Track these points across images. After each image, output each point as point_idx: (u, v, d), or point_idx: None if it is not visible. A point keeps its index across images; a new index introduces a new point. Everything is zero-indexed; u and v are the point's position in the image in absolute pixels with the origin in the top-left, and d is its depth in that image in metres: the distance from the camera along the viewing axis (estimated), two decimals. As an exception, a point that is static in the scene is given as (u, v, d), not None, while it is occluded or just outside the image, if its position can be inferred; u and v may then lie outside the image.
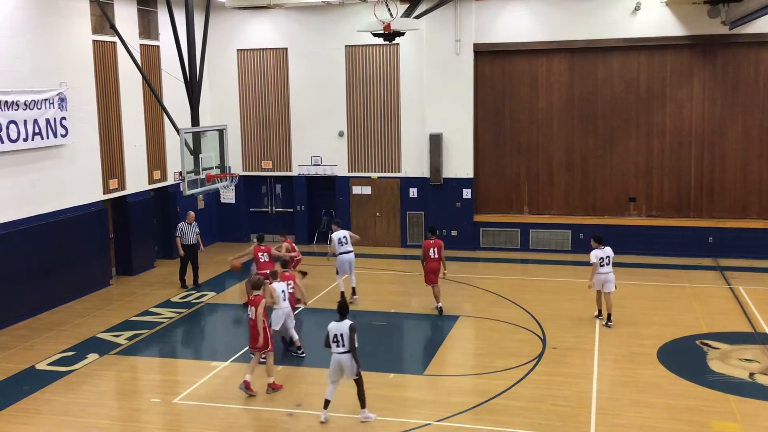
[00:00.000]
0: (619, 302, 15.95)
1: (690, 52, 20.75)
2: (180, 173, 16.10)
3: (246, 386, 12.04)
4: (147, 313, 16.75)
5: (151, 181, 20.78)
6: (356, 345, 10.95)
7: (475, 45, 21.45)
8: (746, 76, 20.56)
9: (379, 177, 22.81)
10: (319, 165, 23.14)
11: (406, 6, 19.27)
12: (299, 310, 16.58)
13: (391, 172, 22.70)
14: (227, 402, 11.98)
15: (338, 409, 11.48)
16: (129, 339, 15.00)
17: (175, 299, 17.78)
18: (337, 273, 16.91)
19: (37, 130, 16.30)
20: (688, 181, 21.25)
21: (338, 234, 16.82)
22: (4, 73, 15.66)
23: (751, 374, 12.60)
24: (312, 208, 23.76)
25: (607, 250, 15.18)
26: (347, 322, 10.94)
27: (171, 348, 15.02)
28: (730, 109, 20.75)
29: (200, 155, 16.18)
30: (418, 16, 19.25)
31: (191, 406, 11.84)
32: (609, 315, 15.17)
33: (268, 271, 15.40)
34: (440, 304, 16.14)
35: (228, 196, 23.58)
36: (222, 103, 23.44)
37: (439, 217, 22.03)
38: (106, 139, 18.98)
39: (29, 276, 16.38)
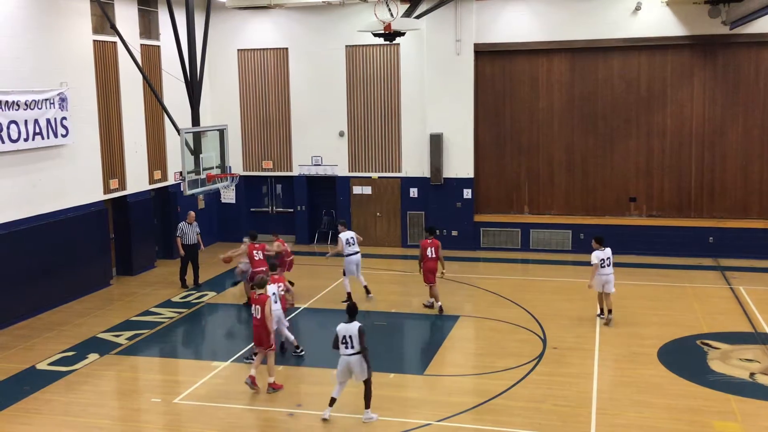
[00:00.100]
0: (619, 302, 15.96)
1: (690, 52, 20.75)
2: (180, 173, 16.11)
3: (252, 381, 12.10)
4: (147, 313, 16.76)
5: (151, 181, 20.78)
6: (366, 346, 10.95)
7: (476, 45, 21.45)
8: (747, 76, 20.56)
9: (379, 177, 22.81)
10: (319, 165, 23.14)
11: (406, 6, 19.28)
12: (299, 310, 16.59)
13: (392, 172, 22.71)
14: (228, 402, 11.98)
15: (340, 409, 11.47)
16: (129, 339, 15.01)
17: (176, 299, 17.78)
18: (344, 274, 16.91)
19: (37, 130, 16.30)
20: (688, 181, 21.25)
21: (346, 235, 16.83)
22: (4, 73, 15.67)
23: (752, 374, 12.59)
24: (312, 208, 23.76)
25: (608, 251, 15.20)
26: (356, 324, 10.95)
27: (171, 348, 15.02)
28: (731, 109, 20.75)
29: (201, 155, 16.17)
30: (418, 16, 19.25)
31: (192, 406, 11.84)
32: (609, 310, 15.28)
33: (265, 268, 15.50)
34: (440, 303, 16.17)
35: (228, 196, 23.58)
36: (222, 103, 23.44)
37: (440, 217, 22.03)
38: (107, 139, 18.98)
39: (30, 276, 16.38)
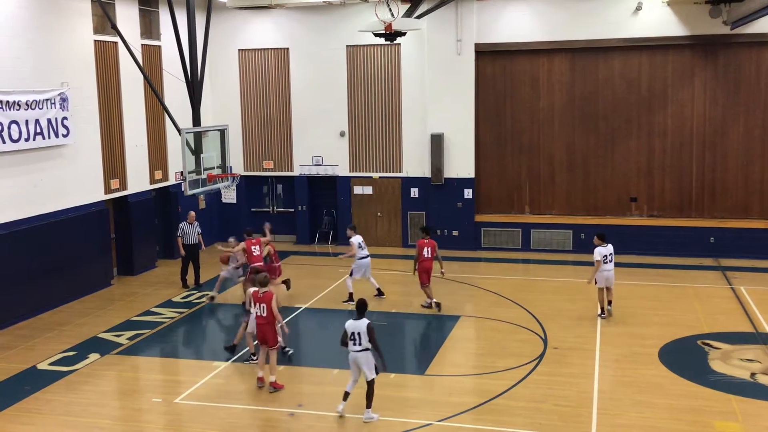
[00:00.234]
0: (620, 302, 15.97)
1: (691, 52, 20.74)
2: (181, 173, 16.12)
3: (262, 382, 12.22)
4: (148, 312, 16.76)
5: (152, 181, 20.79)
6: (378, 344, 11.01)
7: (477, 45, 21.45)
8: (748, 76, 20.55)
9: (380, 177, 22.81)
10: (320, 165, 23.14)
11: (407, 6, 19.28)
12: (299, 310, 16.59)
13: (393, 172, 22.71)
14: (228, 402, 11.99)
15: (339, 409, 11.51)
16: (130, 339, 15.01)
17: (177, 299, 17.78)
18: (351, 275, 16.92)
19: (38, 130, 16.31)
20: (689, 181, 21.24)
21: (358, 238, 16.95)
22: (5, 73, 15.67)
23: (753, 374, 12.59)
24: (313, 208, 23.76)
25: (610, 248, 15.35)
26: (365, 321, 10.97)
27: (172, 348, 15.02)
28: (732, 109, 20.74)
29: (201, 155, 16.18)
30: (419, 16, 19.25)
31: (192, 406, 11.84)
32: (609, 302, 15.45)
33: (261, 264, 15.54)
34: (434, 300, 16.25)
35: (229, 196, 23.60)
36: (223, 103, 23.44)
37: (441, 217, 22.05)
38: (108, 139, 18.99)
39: (30, 276, 16.38)
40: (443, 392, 12.14)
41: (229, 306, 17.35)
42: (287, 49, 22.99)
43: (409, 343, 15.39)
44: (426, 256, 16.12)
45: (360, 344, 10.91)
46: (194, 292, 18.29)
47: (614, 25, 20.70)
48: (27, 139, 16.02)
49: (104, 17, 17.70)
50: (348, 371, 12.70)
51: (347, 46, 22.42)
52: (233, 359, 13.65)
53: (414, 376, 12.93)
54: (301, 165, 23.31)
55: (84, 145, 18.02)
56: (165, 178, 21.32)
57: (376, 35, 16.89)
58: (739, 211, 21.00)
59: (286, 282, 17.59)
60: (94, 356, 14.01)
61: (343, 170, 22.99)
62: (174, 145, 20.42)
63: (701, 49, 20.65)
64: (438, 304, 16.20)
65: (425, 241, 16.29)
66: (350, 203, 23.04)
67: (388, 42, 17.50)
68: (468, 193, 21.91)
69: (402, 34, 17.04)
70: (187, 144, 15.77)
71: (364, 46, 22.19)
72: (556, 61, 21.66)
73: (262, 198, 24.29)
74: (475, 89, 21.64)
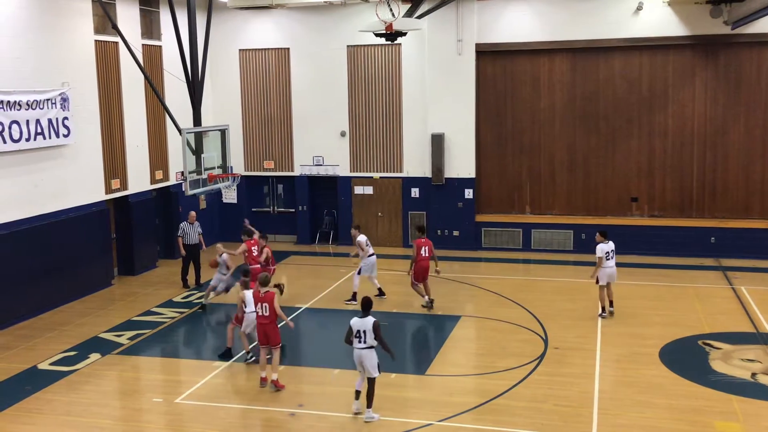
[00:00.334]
0: (621, 302, 15.97)
1: (692, 52, 20.74)
2: (182, 173, 16.12)
3: (266, 382, 12.24)
4: (149, 312, 16.77)
5: (153, 181, 20.79)
6: (384, 340, 11.05)
7: (477, 45, 21.44)
8: (748, 76, 20.55)
9: (381, 177, 22.82)
10: (321, 165, 23.15)
11: (408, 6, 19.27)
12: (300, 310, 16.59)
13: (393, 172, 22.71)
14: (229, 402, 12.00)
15: (340, 408, 11.50)
16: (131, 339, 15.01)
17: (177, 299, 17.79)
18: (358, 273, 16.94)
19: (39, 130, 16.31)
20: (690, 181, 21.23)
21: (365, 237, 17.01)
22: (6, 73, 15.68)
23: (754, 374, 12.58)
24: (314, 208, 23.77)
25: (611, 245, 15.49)
26: (371, 319, 11.01)
27: (173, 348, 15.03)
28: (733, 109, 20.74)
29: (202, 155, 16.18)
30: (420, 16, 19.25)
31: (193, 405, 11.84)
32: (611, 302, 15.54)
33: (258, 266, 15.53)
34: (428, 297, 16.34)
35: (230, 196, 23.60)
36: (224, 103, 23.45)
37: (441, 217, 22.06)
38: (109, 139, 19.00)
39: (31, 276, 16.39)
40: (444, 392, 12.14)
41: (229, 306, 17.32)
42: (288, 49, 22.99)
43: (410, 343, 15.38)
44: (423, 255, 16.18)
45: (365, 342, 10.93)
46: (195, 292, 18.29)
47: (615, 25, 20.70)
48: (28, 139, 16.03)
49: (105, 17, 17.71)
50: (348, 371, 12.77)
51: (348, 46, 22.42)
52: (234, 359, 13.64)
53: (414, 376, 12.93)
54: (302, 165, 23.31)
55: (85, 145, 18.02)
56: (166, 178, 21.33)
57: (377, 35, 16.89)
58: (740, 211, 21.00)
59: (279, 286, 17.25)
60: (94, 356, 14.02)
61: (343, 170, 23.00)
62: (175, 145, 20.42)
63: (702, 49, 20.64)
64: (431, 301, 16.29)
65: (423, 240, 16.35)
66: (351, 203, 23.05)
67: (389, 42, 17.50)
68: (468, 193, 21.91)
69: (403, 34, 17.04)
70: (188, 144, 15.78)
71: (364, 46, 22.19)
72: (557, 61, 21.65)
73: (263, 198, 24.30)
74: (475, 89, 21.64)
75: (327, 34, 22.49)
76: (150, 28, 20.54)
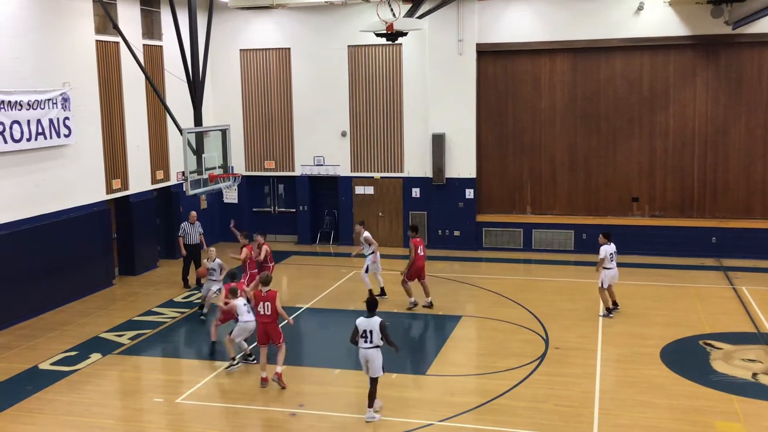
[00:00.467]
0: (622, 302, 15.96)
1: (693, 52, 20.73)
2: (183, 173, 16.11)
3: (277, 375, 12.25)
4: (150, 312, 16.77)
5: (154, 181, 20.80)
6: (391, 338, 11.10)
7: (478, 45, 21.44)
8: (749, 76, 20.54)
9: (381, 177, 22.82)
10: (321, 165, 23.15)
11: (408, 6, 19.27)
12: (301, 310, 16.60)
13: (394, 172, 22.71)
14: (230, 402, 12.00)
15: (342, 408, 11.51)
16: (132, 339, 15.02)
17: (178, 299, 17.79)
18: (366, 272, 16.96)
19: (40, 130, 16.32)
20: (691, 181, 21.23)
21: (369, 233, 17.12)
22: (7, 73, 15.69)
23: (754, 374, 12.58)
24: (315, 208, 23.77)
25: (613, 246, 15.53)
26: (377, 319, 11.03)
27: (174, 348, 15.04)
28: (734, 108, 20.73)
29: (203, 155, 16.16)
30: (420, 16, 19.25)
31: (194, 405, 11.85)
32: (615, 302, 15.65)
33: (255, 271, 15.54)
34: (414, 299, 16.43)
35: (231, 196, 23.60)
36: (225, 103, 23.45)
37: (442, 217, 22.06)
38: (109, 139, 19.01)
39: (32, 276, 16.39)
40: (444, 392, 12.14)
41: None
42: (289, 49, 23.00)
43: (411, 343, 15.37)
44: (420, 254, 16.22)
45: (371, 342, 10.94)
46: (195, 291, 18.27)
47: (616, 25, 20.69)
48: (29, 139, 16.03)
49: (106, 17, 17.71)
50: (349, 371, 12.78)
51: (349, 46, 22.42)
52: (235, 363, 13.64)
53: (415, 376, 12.93)
54: (303, 165, 23.31)
55: (86, 145, 18.03)
56: (166, 178, 21.33)
57: (378, 35, 16.90)
58: (741, 211, 20.98)
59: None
60: (95, 356, 14.02)
61: (344, 170, 22.99)
62: (175, 145, 20.41)
63: (703, 49, 20.64)
64: (415, 303, 16.41)
65: (418, 239, 16.38)
66: (352, 203, 23.05)
67: (390, 42, 17.50)
68: (469, 193, 21.90)
69: (403, 34, 17.04)
70: (189, 144, 15.77)
71: (365, 46, 22.19)
72: (558, 61, 21.65)
73: (264, 198, 24.30)
74: (476, 89, 21.64)
75: (328, 34, 22.50)
76: (151, 28, 20.55)
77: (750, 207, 20.94)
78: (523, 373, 12.70)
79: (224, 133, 17.27)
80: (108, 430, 11.12)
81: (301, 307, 16.80)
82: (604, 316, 15.55)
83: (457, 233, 22.01)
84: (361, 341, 11.02)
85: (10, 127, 15.51)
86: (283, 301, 15.15)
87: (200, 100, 16.68)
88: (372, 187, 22.89)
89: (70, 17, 17.51)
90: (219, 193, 21.55)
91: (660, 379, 12.43)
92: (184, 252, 18.46)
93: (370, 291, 16.72)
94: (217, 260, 15.95)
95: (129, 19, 19.29)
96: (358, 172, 22.94)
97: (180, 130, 15.93)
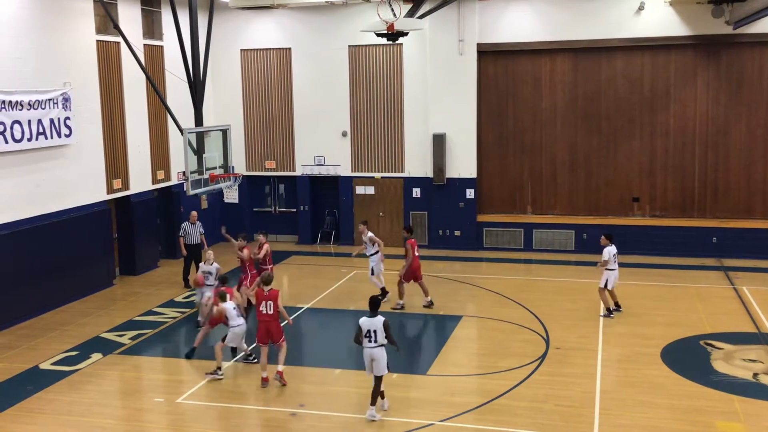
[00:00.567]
0: (622, 302, 15.95)
1: (694, 51, 20.73)
2: (184, 173, 16.09)
3: (279, 374, 12.28)
4: (150, 312, 16.77)
5: (154, 181, 20.80)
6: (393, 337, 11.15)
7: (479, 45, 21.44)
8: (750, 76, 20.53)
9: (382, 177, 22.82)
10: (322, 165, 23.15)
11: (409, 6, 19.26)
12: (302, 310, 16.60)
13: (395, 172, 22.71)
14: (230, 402, 12.00)
15: (342, 408, 11.51)
16: (133, 339, 15.02)
17: (179, 299, 17.79)
18: (372, 273, 16.99)
19: (41, 130, 16.32)
20: (691, 181, 21.22)
21: (373, 234, 17.13)
22: (7, 73, 15.69)
23: (755, 374, 12.57)
24: (315, 208, 23.77)
25: (614, 247, 15.56)
26: (380, 318, 11.07)
27: (174, 348, 15.02)
28: (734, 108, 20.72)
29: (204, 155, 16.14)
30: (421, 16, 19.24)
31: (195, 405, 11.85)
32: (617, 303, 15.67)
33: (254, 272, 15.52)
34: (403, 302, 16.45)
35: (231, 196, 23.60)
36: (225, 103, 23.46)
37: (443, 217, 22.06)
38: (110, 139, 19.01)
39: (33, 276, 16.40)
40: (445, 392, 12.14)
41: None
42: (289, 49, 23.00)
43: (411, 343, 15.37)
44: (416, 254, 16.28)
45: (376, 341, 10.98)
46: (195, 292, 18.25)
47: (616, 25, 20.69)
48: (30, 139, 16.04)
49: (106, 17, 17.71)
50: (349, 371, 12.77)
51: (349, 46, 22.42)
52: (235, 359, 13.65)
53: (416, 376, 12.92)
54: (303, 165, 23.32)
55: (86, 145, 18.04)
56: (167, 178, 21.33)
57: (378, 35, 16.89)
58: (742, 211, 20.98)
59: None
60: (96, 356, 14.03)
61: (345, 170, 23.00)
62: (176, 145, 20.44)
63: (704, 49, 20.63)
64: (402, 306, 16.43)
65: (413, 240, 16.44)
66: (352, 203, 23.05)
67: (390, 42, 17.50)
68: (470, 193, 21.90)
69: (404, 34, 17.03)
70: (190, 144, 15.76)
71: (366, 46, 22.19)
72: (559, 61, 21.64)
73: (264, 198, 24.30)
74: (477, 89, 21.64)
75: (328, 34, 22.50)
76: (151, 28, 20.55)
77: (751, 207, 20.93)
78: (523, 373, 12.70)
79: (225, 133, 17.26)
80: (109, 430, 11.12)
81: (302, 307, 16.80)
82: (604, 316, 15.56)
83: (457, 233, 22.01)
84: (365, 341, 11.04)
85: (11, 127, 15.51)
86: (284, 301, 15.15)
87: (201, 100, 16.67)
88: (373, 187, 22.89)
89: (71, 17, 17.52)
90: (220, 193, 21.55)
91: (661, 379, 12.43)
92: (184, 252, 18.45)
93: (383, 289, 16.83)
94: (215, 264, 15.70)
95: (130, 19, 19.30)
96: (358, 172, 22.94)
97: (181, 130, 15.93)
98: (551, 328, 14.98)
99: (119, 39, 18.05)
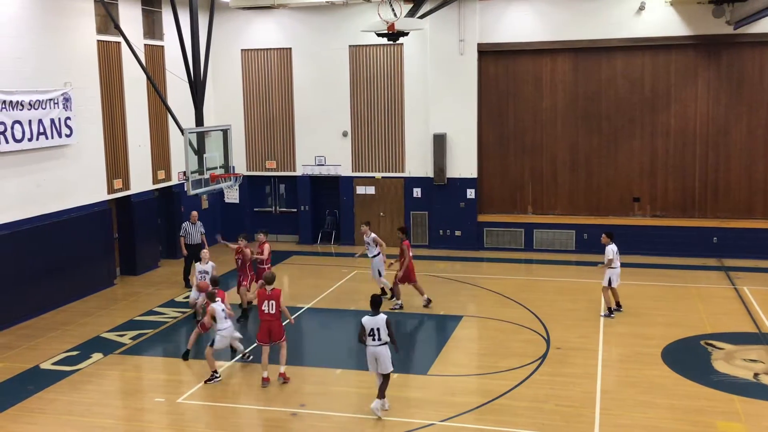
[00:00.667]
0: (623, 302, 15.95)
1: (694, 51, 20.72)
2: (184, 173, 16.10)
3: (281, 376, 12.32)
4: (151, 312, 16.78)
5: (155, 181, 20.81)
6: (394, 336, 11.20)
7: (479, 45, 21.44)
8: (751, 76, 20.53)
9: (383, 177, 22.82)
10: (323, 165, 23.15)
11: (410, 6, 19.26)
12: (302, 310, 16.61)
13: (395, 172, 22.71)
14: (231, 402, 12.01)
15: (343, 408, 11.51)
16: (133, 338, 15.02)
17: (179, 299, 17.79)
18: (380, 275, 17.00)
19: (41, 130, 16.33)
20: (692, 181, 21.22)
21: (376, 235, 17.15)
22: (8, 73, 15.69)
23: (756, 374, 12.57)
24: (316, 208, 23.77)
25: (615, 246, 15.60)
26: (383, 316, 11.13)
27: (175, 347, 14.99)
28: (735, 108, 20.72)
29: (204, 155, 16.15)
30: (422, 16, 19.24)
31: (195, 405, 11.85)
32: (618, 302, 15.67)
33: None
34: (401, 302, 16.52)
35: (232, 196, 23.60)
36: (226, 103, 23.46)
37: (443, 217, 22.05)
38: (111, 139, 19.01)
39: (33, 276, 16.40)
40: (446, 392, 12.13)
41: (231, 306, 17.32)
42: (290, 49, 23.00)
43: (412, 343, 15.37)
44: (410, 255, 16.36)
45: (379, 339, 11.04)
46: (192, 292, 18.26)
47: (617, 25, 20.69)
48: (30, 139, 16.04)
49: (107, 17, 17.71)
50: (350, 371, 12.77)
51: (350, 46, 22.42)
52: (235, 359, 13.65)
53: (416, 376, 12.92)
54: (304, 165, 23.32)
55: (87, 145, 18.04)
56: (168, 178, 21.34)
57: (379, 35, 16.89)
58: (742, 211, 20.97)
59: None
60: (97, 356, 14.03)
61: (345, 170, 23.00)
62: (177, 145, 20.44)
63: (704, 49, 20.62)
64: (401, 306, 16.44)
65: (408, 241, 16.50)
66: (353, 203, 23.05)
67: (391, 42, 17.50)
68: (471, 193, 21.90)
69: (405, 34, 17.03)
70: (190, 144, 15.76)
71: (366, 46, 22.19)
72: (559, 61, 21.64)
73: (265, 198, 24.31)
74: (477, 89, 21.63)
75: (329, 34, 22.50)
76: (152, 28, 20.55)
77: (751, 207, 20.93)
78: (524, 373, 12.70)
79: (225, 132, 17.26)
80: (109, 430, 11.12)
81: (303, 307, 16.80)
82: (605, 316, 15.56)
83: (458, 233, 22.01)
84: (368, 339, 11.07)
85: (12, 127, 15.52)
86: (285, 301, 15.17)
87: (201, 100, 16.67)
88: (373, 187, 22.89)
89: (72, 17, 17.52)
90: (220, 193, 21.56)
91: (661, 379, 12.42)
92: (185, 252, 18.44)
93: (388, 290, 16.87)
94: (210, 263, 15.66)
95: (130, 19, 19.30)
96: (359, 172, 22.94)
97: (181, 130, 15.93)
98: (552, 328, 14.98)
99: (120, 39, 18.05)
